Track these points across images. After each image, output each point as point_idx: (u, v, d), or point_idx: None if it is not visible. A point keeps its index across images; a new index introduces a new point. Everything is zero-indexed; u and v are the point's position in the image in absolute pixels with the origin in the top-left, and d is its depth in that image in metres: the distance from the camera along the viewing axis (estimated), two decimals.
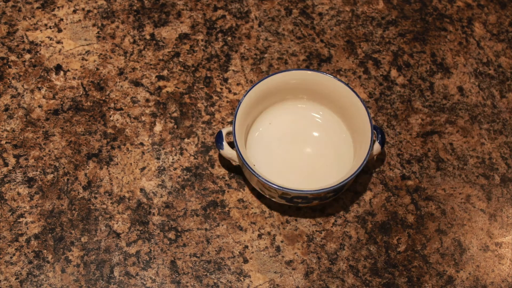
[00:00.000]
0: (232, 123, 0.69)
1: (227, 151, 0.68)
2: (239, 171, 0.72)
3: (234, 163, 0.70)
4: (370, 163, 0.73)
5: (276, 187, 0.65)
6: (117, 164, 0.71)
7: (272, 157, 0.70)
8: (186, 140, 0.73)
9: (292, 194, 0.65)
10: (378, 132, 0.69)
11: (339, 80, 0.70)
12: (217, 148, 0.68)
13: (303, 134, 0.72)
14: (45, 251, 0.67)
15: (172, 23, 0.80)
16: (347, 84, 0.69)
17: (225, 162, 0.72)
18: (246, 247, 0.68)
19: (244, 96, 0.68)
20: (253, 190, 0.71)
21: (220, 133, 0.68)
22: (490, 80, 0.79)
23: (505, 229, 0.71)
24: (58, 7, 0.79)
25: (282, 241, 0.69)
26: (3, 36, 0.77)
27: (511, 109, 0.77)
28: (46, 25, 0.78)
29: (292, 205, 0.68)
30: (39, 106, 0.74)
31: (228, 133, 0.69)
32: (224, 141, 0.67)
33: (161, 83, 0.76)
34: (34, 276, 0.66)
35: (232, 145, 0.71)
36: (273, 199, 0.68)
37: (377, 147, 0.69)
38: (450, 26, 0.82)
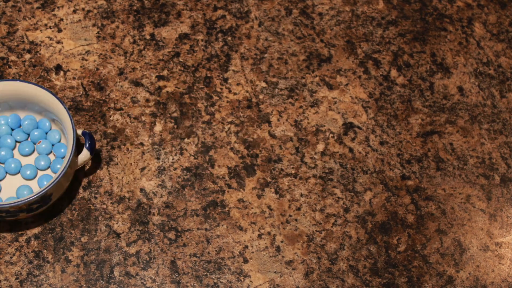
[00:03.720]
0: None
1: None
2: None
3: None
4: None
5: None
6: (117, 164, 0.71)
7: None
8: (186, 140, 0.73)
9: None
10: (87, 138, 0.66)
11: (42, 87, 0.67)
12: None
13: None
14: (45, 251, 0.67)
15: (172, 23, 0.80)
16: (49, 91, 0.66)
17: (225, 162, 0.72)
18: (246, 247, 0.68)
19: None
20: (253, 190, 0.71)
21: None
22: (490, 80, 0.79)
23: (505, 229, 0.71)
24: (58, 7, 0.79)
25: (282, 241, 0.69)
26: (3, 36, 0.77)
27: (511, 109, 0.77)
28: (46, 25, 0.78)
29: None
30: None
31: None
32: None
33: (161, 83, 0.76)
34: (34, 276, 0.66)
35: None
36: None
37: (85, 153, 0.66)
38: (450, 26, 0.82)
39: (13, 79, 0.71)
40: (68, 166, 0.63)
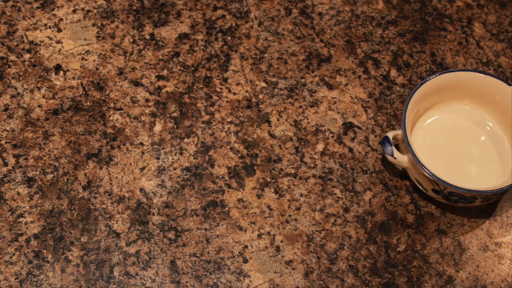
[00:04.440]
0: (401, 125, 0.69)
1: (398, 156, 0.68)
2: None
3: (399, 167, 0.71)
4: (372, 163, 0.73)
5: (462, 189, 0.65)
6: (117, 164, 0.71)
7: (434, 156, 0.71)
8: (186, 140, 0.73)
9: (468, 194, 0.65)
10: None
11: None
12: (386, 153, 0.69)
13: (464, 135, 0.72)
14: (45, 251, 0.67)
15: (172, 23, 0.80)
16: None
17: (224, 162, 0.72)
18: (246, 247, 0.68)
19: (409, 99, 0.68)
20: (253, 190, 0.71)
21: (387, 138, 0.69)
22: None
23: (504, 229, 0.71)
24: (57, 7, 0.79)
25: (281, 241, 0.69)
26: (2, 36, 0.77)
27: None
28: (45, 25, 0.78)
29: (448, 203, 0.69)
30: (39, 106, 0.74)
31: (393, 137, 0.69)
32: (392, 145, 0.68)
33: (160, 83, 0.76)
34: (34, 276, 0.66)
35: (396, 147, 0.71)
36: (427, 193, 0.69)
37: None
38: (450, 26, 0.82)
39: None
40: None
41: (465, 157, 0.71)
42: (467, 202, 0.67)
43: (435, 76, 0.70)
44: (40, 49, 0.77)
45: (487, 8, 0.84)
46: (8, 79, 0.75)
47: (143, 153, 0.72)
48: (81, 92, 0.75)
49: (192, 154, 0.73)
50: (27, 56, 0.76)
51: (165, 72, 0.77)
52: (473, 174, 0.70)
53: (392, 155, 0.68)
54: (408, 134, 0.67)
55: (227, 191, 0.71)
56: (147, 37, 0.78)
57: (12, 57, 0.76)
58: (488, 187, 0.66)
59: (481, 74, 0.70)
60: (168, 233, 0.69)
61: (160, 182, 0.71)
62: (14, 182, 0.70)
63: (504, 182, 0.67)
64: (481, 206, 0.71)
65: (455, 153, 0.71)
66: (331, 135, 0.74)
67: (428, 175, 0.65)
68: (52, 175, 0.70)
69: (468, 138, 0.72)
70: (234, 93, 0.76)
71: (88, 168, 0.71)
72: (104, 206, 0.69)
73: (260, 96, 0.76)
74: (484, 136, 0.72)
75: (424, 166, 0.65)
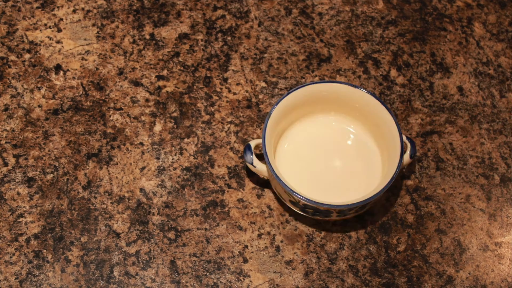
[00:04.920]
0: (262, 133, 0.68)
1: (257, 165, 0.67)
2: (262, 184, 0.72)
3: (262, 177, 0.70)
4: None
5: (315, 202, 0.64)
6: (117, 164, 0.71)
7: (300, 169, 0.70)
8: (186, 140, 0.73)
9: (321, 207, 0.65)
10: (408, 142, 0.68)
11: (369, 92, 0.69)
12: (246, 161, 0.68)
13: (331, 147, 0.71)
14: (44, 251, 0.67)
15: (172, 23, 0.80)
16: (376, 97, 0.69)
17: (224, 162, 0.72)
18: (246, 247, 0.68)
19: (273, 108, 0.67)
20: (253, 190, 0.71)
21: (248, 146, 0.67)
22: (490, 80, 0.79)
23: (504, 229, 0.71)
24: (57, 7, 0.79)
25: (281, 241, 0.69)
26: (3, 36, 0.77)
27: (510, 109, 0.77)
28: (45, 25, 0.78)
29: (308, 216, 0.68)
30: (39, 106, 0.74)
31: (257, 146, 0.68)
32: (253, 154, 0.67)
33: (160, 83, 0.76)
34: (34, 276, 0.66)
35: (260, 157, 0.71)
36: (294, 209, 0.68)
37: (406, 159, 0.68)
38: (450, 26, 0.82)
39: None
40: (396, 175, 0.66)
41: (330, 169, 0.70)
42: (323, 216, 0.67)
43: (296, 89, 0.68)
44: (40, 49, 0.77)
45: (487, 8, 0.84)
46: (8, 79, 0.75)
47: (143, 153, 0.72)
48: (81, 92, 0.75)
49: (192, 154, 0.73)
50: (27, 56, 0.76)
51: (165, 72, 0.77)
52: (338, 187, 0.69)
53: (252, 164, 0.68)
54: (268, 144, 0.66)
55: (227, 191, 0.71)
56: (147, 37, 0.78)
57: (12, 57, 0.76)
58: (348, 200, 0.66)
59: (337, 84, 0.69)
60: (168, 233, 0.69)
61: (160, 182, 0.71)
62: (14, 182, 0.70)
63: (365, 195, 0.66)
64: (338, 221, 0.70)
65: (320, 166, 0.70)
66: None
67: (282, 186, 0.65)
68: (52, 175, 0.70)
69: (334, 150, 0.71)
70: (234, 93, 0.76)
71: (88, 168, 0.71)
72: (104, 206, 0.69)
73: (260, 96, 0.76)
74: (351, 147, 0.71)
75: (278, 177, 0.65)
